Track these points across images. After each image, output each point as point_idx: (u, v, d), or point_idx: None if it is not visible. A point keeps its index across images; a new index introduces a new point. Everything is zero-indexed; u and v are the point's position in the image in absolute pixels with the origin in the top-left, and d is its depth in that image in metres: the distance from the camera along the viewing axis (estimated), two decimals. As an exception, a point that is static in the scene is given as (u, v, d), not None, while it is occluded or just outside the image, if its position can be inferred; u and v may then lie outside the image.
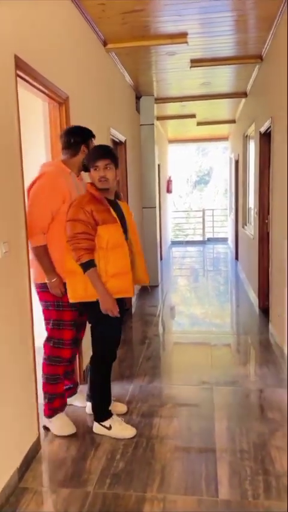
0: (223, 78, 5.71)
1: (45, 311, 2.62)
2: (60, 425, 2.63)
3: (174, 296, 6.39)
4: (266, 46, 4.34)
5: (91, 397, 2.71)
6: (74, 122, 3.11)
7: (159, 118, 7.42)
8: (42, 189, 2.50)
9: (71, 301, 2.49)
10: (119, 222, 2.48)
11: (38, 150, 3.19)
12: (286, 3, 3.35)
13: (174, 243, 12.72)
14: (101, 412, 2.62)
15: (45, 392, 2.63)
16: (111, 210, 2.48)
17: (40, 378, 2.59)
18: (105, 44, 4.10)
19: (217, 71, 5.29)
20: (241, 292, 6.38)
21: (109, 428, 2.58)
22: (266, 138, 4.80)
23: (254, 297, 5.57)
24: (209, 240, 13.18)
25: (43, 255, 2.50)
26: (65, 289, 2.51)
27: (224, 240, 12.69)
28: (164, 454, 2.41)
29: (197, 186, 25.44)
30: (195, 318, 5.24)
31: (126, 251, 2.50)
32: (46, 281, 2.53)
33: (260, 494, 2.05)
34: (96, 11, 3.38)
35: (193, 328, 4.94)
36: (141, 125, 6.42)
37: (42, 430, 2.56)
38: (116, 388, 3.19)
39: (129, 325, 4.82)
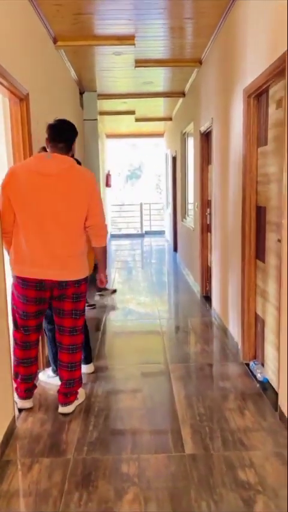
0: (164, 78, 6.03)
1: (83, 302, 2.79)
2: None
3: (120, 286, 6.59)
4: (205, 51, 4.71)
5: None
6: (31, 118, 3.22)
7: (100, 113, 7.59)
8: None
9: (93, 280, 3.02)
10: None
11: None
12: (227, 13, 3.70)
13: (114, 236, 12.98)
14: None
15: (80, 376, 2.87)
16: None
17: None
18: (55, 41, 4.22)
19: (159, 71, 5.60)
20: (182, 281, 6.78)
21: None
22: (205, 137, 5.18)
23: (195, 285, 5.98)
24: (146, 233, 13.60)
25: (106, 252, 2.87)
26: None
27: (160, 233, 13.18)
28: (133, 422, 2.67)
29: (128, 181, 25.78)
30: (143, 305, 5.51)
31: None
32: (102, 274, 2.92)
33: (219, 447, 2.38)
34: (52, 10, 3.52)
35: (143, 315, 5.18)
36: (84, 119, 6.56)
37: (17, 410, 2.71)
38: (79, 370, 3.39)
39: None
